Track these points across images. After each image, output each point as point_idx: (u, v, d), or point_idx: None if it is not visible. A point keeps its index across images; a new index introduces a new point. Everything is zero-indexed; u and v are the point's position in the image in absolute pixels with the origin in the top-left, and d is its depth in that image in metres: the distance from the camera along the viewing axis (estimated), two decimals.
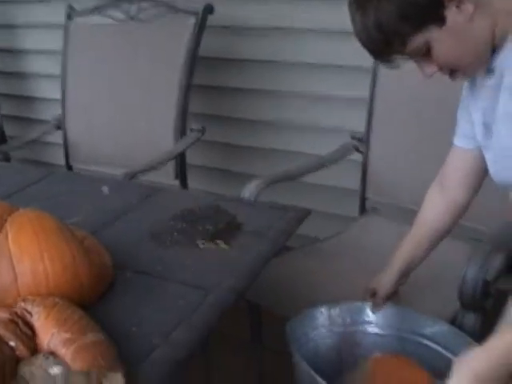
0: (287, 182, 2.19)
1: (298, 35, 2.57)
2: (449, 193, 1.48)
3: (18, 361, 1.01)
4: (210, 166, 2.94)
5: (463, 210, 1.49)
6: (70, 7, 2.77)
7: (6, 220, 1.21)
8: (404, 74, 2.11)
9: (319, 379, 1.23)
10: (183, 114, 2.53)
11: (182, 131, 2.54)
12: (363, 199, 2.34)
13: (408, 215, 2.05)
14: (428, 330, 1.49)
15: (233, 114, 2.84)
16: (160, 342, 1.09)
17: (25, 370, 0.99)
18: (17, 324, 1.05)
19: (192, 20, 2.49)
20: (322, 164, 2.26)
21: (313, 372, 1.25)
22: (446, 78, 1.26)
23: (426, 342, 1.50)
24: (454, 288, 1.62)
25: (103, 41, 2.75)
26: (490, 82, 1.23)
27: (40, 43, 3.24)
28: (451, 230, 1.54)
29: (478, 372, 1.06)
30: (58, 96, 2.83)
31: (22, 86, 3.43)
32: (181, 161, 2.56)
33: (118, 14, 2.67)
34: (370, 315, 1.57)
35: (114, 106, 2.70)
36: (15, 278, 1.14)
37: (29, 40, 3.30)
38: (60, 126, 2.83)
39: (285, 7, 2.55)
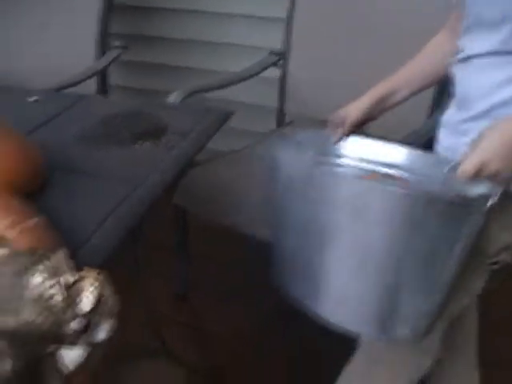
0: (208, 94, 2.25)
1: None
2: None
3: None
4: (131, 86, 2.98)
5: None
6: None
7: None
8: None
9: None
10: (104, 33, 2.57)
11: (104, 49, 2.57)
12: (281, 114, 2.43)
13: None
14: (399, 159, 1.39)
15: (154, 33, 2.88)
16: (93, 232, 1.15)
17: None
18: None
19: None
20: (241, 77, 2.33)
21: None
22: None
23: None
24: None
25: None
26: None
27: None
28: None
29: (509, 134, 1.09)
30: None
31: None
32: (102, 79, 2.58)
33: None
34: (335, 146, 1.44)
35: (31, 25, 2.68)
36: None
37: None
38: None
39: None
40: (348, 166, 1.43)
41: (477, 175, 1.09)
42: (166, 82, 2.86)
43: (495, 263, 1.32)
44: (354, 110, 1.44)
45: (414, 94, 1.46)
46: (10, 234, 1.05)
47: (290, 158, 1.24)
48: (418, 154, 1.39)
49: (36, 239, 1.04)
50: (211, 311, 2.24)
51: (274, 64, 2.41)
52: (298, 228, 1.26)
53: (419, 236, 1.13)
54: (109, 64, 2.53)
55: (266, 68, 2.40)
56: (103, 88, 2.58)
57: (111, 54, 2.55)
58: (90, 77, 2.43)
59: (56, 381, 0.91)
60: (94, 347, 0.95)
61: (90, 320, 0.96)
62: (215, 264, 2.33)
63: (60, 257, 1.00)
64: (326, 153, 1.44)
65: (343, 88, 2.19)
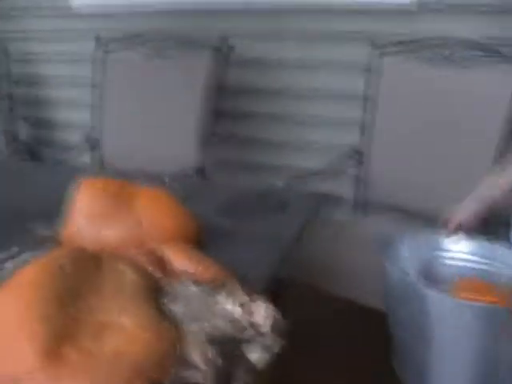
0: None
1: (299, 66, 3.09)
2: None
3: (157, 282, 1.43)
4: (226, 182, 3.29)
5: None
6: (99, 41, 3.21)
7: (131, 193, 1.65)
8: (400, 99, 2.68)
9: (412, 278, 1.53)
10: (203, 134, 2.99)
11: (203, 149, 3.00)
12: (358, 204, 2.81)
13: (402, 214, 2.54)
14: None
15: (246, 135, 3.31)
16: (251, 271, 1.53)
17: (167, 287, 1.40)
18: (151, 257, 1.48)
19: (209, 53, 2.97)
20: (326, 170, 2.75)
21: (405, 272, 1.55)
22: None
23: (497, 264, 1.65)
24: None
25: (132, 72, 3.20)
26: None
27: (65, 72, 3.70)
28: None
29: None
30: (87, 121, 3.27)
31: (51, 112, 3.86)
32: (202, 176, 2.98)
33: (146, 50, 3.13)
34: (447, 245, 1.70)
35: (142, 127, 3.15)
36: (144, 231, 1.57)
37: (59, 69, 3.73)
38: (94, 145, 3.25)
39: (294, 45, 3.06)
40: (453, 262, 1.74)
41: None
42: (256, 178, 3.26)
43: None
44: (462, 209, 1.64)
45: None
46: (196, 271, 1.44)
47: (399, 272, 1.59)
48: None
49: (215, 273, 1.42)
50: None
51: (355, 160, 2.79)
52: (406, 325, 1.62)
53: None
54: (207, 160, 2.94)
55: (346, 164, 2.79)
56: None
57: (209, 152, 2.98)
58: (193, 170, 2.88)
59: (245, 373, 1.26)
60: (267, 353, 1.30)
61: (262, 330, 1.31)
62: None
63: (235, 285, 1.38)
64: (435, 249, 1.76)
65: (420, 184, 2.58)
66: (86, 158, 3.28)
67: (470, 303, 1.46)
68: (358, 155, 2.79)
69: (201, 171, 2.98)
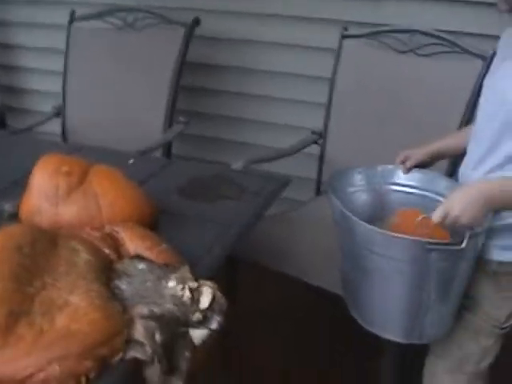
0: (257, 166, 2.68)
1: (266, 47, 3.13)
2: None
3: (112, 263, 1.49)
4: (191, 156, 3.39)
5: None
6: (73, 12, 3.22)
7: (87, 172, 1.70)
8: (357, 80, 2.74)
9: (349, 214, 1.61)
10: (171, 110, 3.00)
11: (169, 124, 3.01)
12: (319, 183, 2.88)
13: None
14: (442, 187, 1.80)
15: (212, 111, 3.36)
16: (203, 256, 1.60)
17: (118, 267, 1.47)
18: (107, 238, 1.54)
19: (182, 30, 2.98)
20: (288, 152, 2.81)
21: (344, 209, 1.63)
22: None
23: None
24: None
25: (103, 43, 3.19)
26: None
27: (39, 41, 3.69)
28: None
29: (482, 191, 1.51)
30: (56, 89, 3.28)
31: (21, 80, 3.88)
32: (168, 149, 3.05)
33: (117, 21, 3.13)
34: (399, 177, 1.88)
35: (110, 98, 3.15)
36: (100, 210, 1.64)
37: (29, 38, 3.73)
38: (59, 113, 3.26)
39: (257, 23, 3.10)
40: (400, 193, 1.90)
41: (444, 219, 1.51)
42: (221, 153, 3.31)
43: (505, 328, 1.75)
44: (417, 153, 1.89)
45: (455, 156, 1.96)
46: (149, 254, 1.49)
47: (339, 205, 1.68)
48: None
49: (168, 257, 1.49)
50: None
51: (315, 142, 2.86)
52: (348, 256, 1.74)
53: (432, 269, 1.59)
54: (174, 137, 2.99)
55: (307, 145, 2.85)
56: (168, 156, 3.04)
57: (176, 128, 3.01)
58: (160, 146, 2.90)
59: (187, 351, 1.33)
60: (210, 332, 1.37)
61: (207, 313, 1.39)
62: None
63: (185, 270, 1.45)
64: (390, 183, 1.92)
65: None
66: (55, 128, 3.29)
67: (394, 235, 1.56)
68: (319, 137, 2.83)
69: (167, 148, 3.03)
